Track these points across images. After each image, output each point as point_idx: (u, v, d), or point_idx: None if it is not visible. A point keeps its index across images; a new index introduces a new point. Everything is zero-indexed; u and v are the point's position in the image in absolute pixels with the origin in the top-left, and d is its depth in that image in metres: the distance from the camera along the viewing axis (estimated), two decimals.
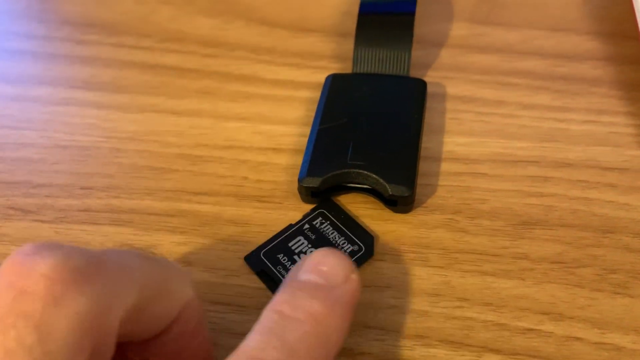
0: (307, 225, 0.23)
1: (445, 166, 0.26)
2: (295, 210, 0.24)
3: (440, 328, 0.21)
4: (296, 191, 0.25)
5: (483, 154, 0.26)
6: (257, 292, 0.22)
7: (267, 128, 0.28)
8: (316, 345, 0.16)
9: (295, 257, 0.22)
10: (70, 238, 0.24)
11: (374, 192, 0.24)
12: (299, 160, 0.26)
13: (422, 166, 0.25)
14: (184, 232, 0.24)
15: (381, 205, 0.24)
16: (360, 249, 0.22)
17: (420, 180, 0.25)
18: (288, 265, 0.22)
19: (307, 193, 0.24)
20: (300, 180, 0.24)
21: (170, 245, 0.24)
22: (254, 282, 0.22)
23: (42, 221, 0.25)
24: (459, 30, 0.32)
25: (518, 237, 0.23)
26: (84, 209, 0.25)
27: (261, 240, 0.24)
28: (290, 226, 0.23)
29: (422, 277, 0.22)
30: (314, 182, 0.23)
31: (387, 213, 0.24)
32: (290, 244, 0.23)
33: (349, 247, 0.22)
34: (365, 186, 0.24)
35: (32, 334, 0.13)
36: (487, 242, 0.23)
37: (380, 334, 0.21)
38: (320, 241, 0.23)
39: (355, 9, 0.32)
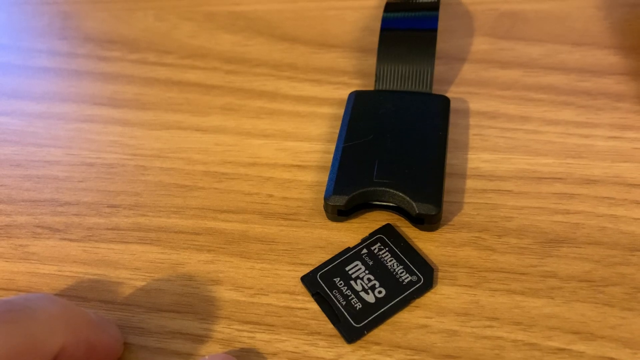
0: (365, 250, 0.23)
1: (470, 183, 0.26)
2: (322, 228, 0.25)
3: (470, 348, 0.21)
4: (322, 208, 0.25)
5: (508, 170, 0.26)
6: (286, 312, 0.22)
7: (291, 145, 0.28)
8: None
9: (352, 282, 0.22)
10: (98, 257, 0.24)
11: (401, 210, 0.24)
12: (323, 177, 0.26)
13: (448, 183, 0.25)
14: (211, 250, 0.24)
15: (406, 222, 0.24)
16: (419, 279, 0.22)
17: (446, 198, 0.25)
18: (344, 290, 0.22)
19: (333, 212, 0.24)
20: (326, 199, 0.24)
21: (197, 263, 0.24)
22: (283, 300, 0.22)
23: (70, 240, 0.25)
24: (480, 45, 0.32)
25: (545, 255, 0.23)
26: (111, 227, 0.25)
27: (287, 258, 0.24)
28: (348, 249, 0.23)
29: (450, 296, 0.22)
30: (340, 200, 0.23)
31: (413, 231, 0.24)
32: (347, 268, 0.23)
33: (407, 277, 0.22)
34: (391, 204, 0.24)
35: None
36: (515, 260, 0.23)
37: (411, 354, 0.21)
38: (378, 268, 0.23)
39: (375, 25, 0.33)
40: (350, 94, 0.28)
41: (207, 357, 0.20)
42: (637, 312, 0.21)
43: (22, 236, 0.25)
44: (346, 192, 0.24)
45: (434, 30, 0.29)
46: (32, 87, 0.32)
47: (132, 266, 0.24)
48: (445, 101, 0.27)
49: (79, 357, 0.19)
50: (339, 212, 0.24)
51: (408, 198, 0.23)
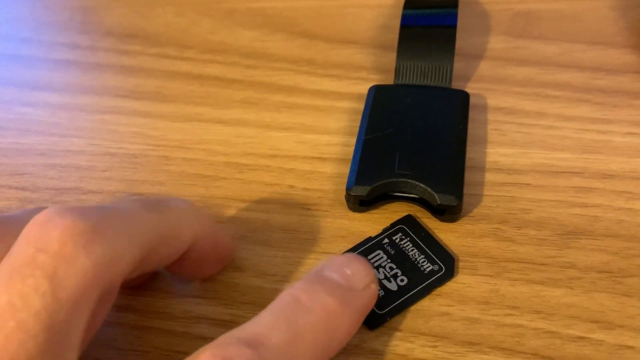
0: (386, 240, 0.23)
1: (489, 176, 0.26)
2: (343, 219, 0.25)
3: (491, 335, 0.21)
4: (343, 199, 0.25)
5: (526, 164, 0.26)
6: None
7: (311, 137, 0.28)
8: (322, 336, 0.17)
9: (374, 270, 0.22)
10: None
11: (422, 201, 0.24)
12: (344, 169, 0.27)
13: (467, 176, 0.26)
14: (235, 238, 0.25)
15: (427, 213, 0.25)
16: (440, 269, 0.23)
17: (465, 190, 0.25)
18: None
19: (355, 202, 0.24)
20: (348, 189, 0.24)
21: None
22: None
23: None
24: (496, 43, 0.33)
25: (564, 247, 0.23)
26: None
27: (310, 247, 0.24)
28: (370, 239, 0.24)
29: (471, 285, 0.22)
30: (362, 190, 0.24)
31: (433, 222, 0.25)
32: (369, 257, 0.23)
33: (429, 267, 0.23)
34: (413, 195, 0.24)
35: (46, 283, 0.15)
36: (534, 251, 0.23)
37: (432, 340, 0.21)
38: (399, 257, 0.23)
39: (392, 23, 0.33)
40: (370, 88, 0.29)
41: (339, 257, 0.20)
42: None
43: None
44: (368, 183, 0.24)
45: (453, 26, 0.29)
46: (55, 79, 0.33)
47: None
48: (465, 96, 0.28)
49: (206, 251, 0.21)
50: (361, 203, 0.24)
51: (429, 189, 0.24)
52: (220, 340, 0.16)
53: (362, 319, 0.19)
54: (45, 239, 0.16)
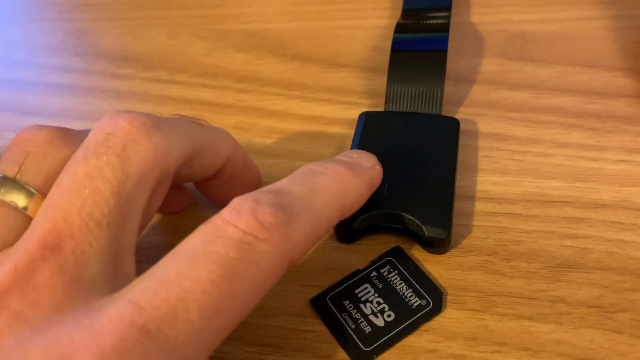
0: (374, 273, 0.23)
1: (479, 206, 0.26)
2: (332, 250, 0.25)
3: None
4: (331, 230, 0.25)
5: (517, 193, 0.26)
6: (295, 334, 0.22)
7: (302, 164, 0.28)
8: (334, 193, 0.20)
9: (361, 305, 0.22)
10: None
11: (410, 233, 0.24)
12: None
13: (457, 205, 0.26)
14: None
15: (416, 244, 0.24)
16: (428, 303, 0.22)
17: (455, 220, 0.25)
18: (353, 314, 0.22)
19: (343, 233, 0.24)
20: None
21: None
22: (292, 323, 0.23)
23: None
24: (490, 66, 0.32)
25: (554, 280, 0.23)
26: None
27: (297, 280, 0.24)
28: (358, 272, 0.23)
29: (459, 320, 0.22)
30: (350, 222, 0.24)
31: (422, 253, 0.24)
32: (356, 291, 0.23)
33: (417, 301, 0.22)
34: (401, 227, 0.24)
35: (116, 159, 0.18)
36: (524, 284, 0.23)
37: None
38: (387, 291, 0.23)
39: (384, 45, 0.33)
40: (361, 115, 0.28)
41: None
42: None
43: None
44: (356, 214, 0.24)
45: (444, 51, 0.29)
46: (47, 104, 0.33)
47: None
48: (455, 123, 0.27)
49: (238, 170, 0.24)
50: (349, 234, 0.24)
51: (418, 221, 0.23)
52: (246, 194, 0.18)
53: (369, 192, 0.22)
54: (114, 126, 0.19)
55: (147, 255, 0.25)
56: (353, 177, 0.21)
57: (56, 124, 0.31)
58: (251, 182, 0.25)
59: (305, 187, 0.20)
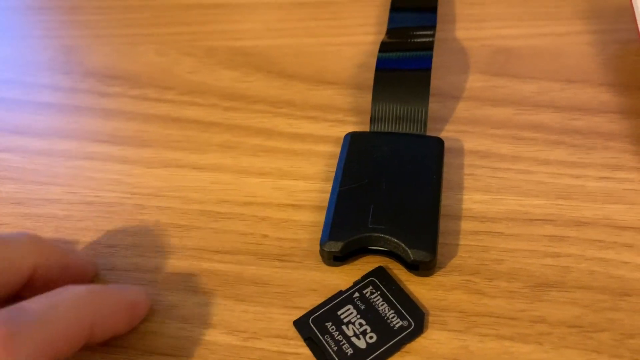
0: (357, 294, 0.23)
1: (463, 225, 0.26)
2: (315, 270, 0.25)
3: None
4: (316, 249, 0.25)
5: (499, 211, 0.26)
6: (279, 356, 0.22)
7: (287, 183, 0.29)
8: (79, 307, 0.20)
9: (344, 326, 0.22)
10: None
11: (396, 255, 0.24)
12: (318, 217, 0.27)
13: (441, 225, 0.26)
14: (206, 292, 0.25)
15: (400, 265, 0.25)
16: (410, 324, 0.22)
17: (439, 240, 0.25)
18: (336, 335, 0.22)
19: (329, 257, 0.24)
20: (322, 245, 0.24)
21: (192, 305, 0.24)
22: (276, 345, 0.23)
23: None
24: (474, 82, 0.33)
25: (535, 300, 0.23)
26: (109, 267, 0.26)
27: (281, 301, 0.24)
28: (340, 293, 0.24)
29: (440, 341, 0.22)
30: (336, 246, 0.24)
31: (405, 273, 0.25)
32: (339, 312, 0.23)
33: (399, 322, 0.22)
34: (386, 250, 0.24)
35: None
36: (505, 304, 0.23)
37: None
38: (369, 312, 0.23)
39: (371, 61, 0.33)
40: (346, 136, 0.29)
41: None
42: (626, 359, 0.22)
43: None
44: (341, 238, 0.24)
45: (428, 69, 0.29)
46: (35, 123, 0.33)
47: None
48: (440, 143, 0.28)
49: (55, 278, 0.22)
50: (335, 258, 0.24)
51: (403, 244, 0.23)
52: None
53: (129, 313, 0.22)
54: None
55: None
56: (109, 295, 0.21)
57: (43, 144, 0.32)
58: (77, 280, 0.23)
59: (46, 301, 0.19)
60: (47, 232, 0.27)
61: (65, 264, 0.23)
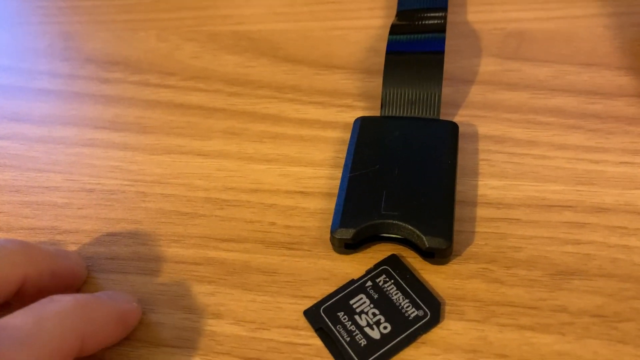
0: (369, 283, 0.22)
1: (478, 211, 0.25)
2: (325, 259, 0.24)
3: None
4: (326, 237, 0.24)
5: (517, 198, 0.25)
6: (288, 348, 0.22)
7: (295, 170, 0.28)
8: (68, 319, 0.19)
9: (357, 316, 0.21)
10: (97, 288, 0.24)
11: (410, 243, 0.23)
12: (327, 204, 0.26)
13: (456, 211, 0.25)
14: (212, 281, 0.24)
15: (412, 252, 0.24)
16: (425, 314, 0.21)
17: (454, 227, 0.24)
18: (348, 326, 0.21)
19: (340, 245, 0.23)
20: (332, 232, 0.23)
21: (198, 295, 0.23)
22: (285, 336, 0.22)
23: None
24: (487, 66, 0.31)
25: (556, 289, 0.22)
26: (111, 257, 0.25)
27: (290, 291, 0.23)
28: (352, 282, 0.23)
29: (458, 331, 0.21)
30: (347, 233, 0.23)
31: (419, 261, 0.24)
32: (351, 302, 0.22)
33: (414, 312, 0.22)
34: (400, 237, 0.23)
35: None
36: (524, 293, 0.22)
37: None
38: (383, 301, 0.22)
39: (379, 45, 0.32)
40: (356, 121, 0.28)
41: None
42: None
43: None
44: (353, 225, 0.23)
45: (441, 52, 0.28)
46: (33, 110, 0.32)
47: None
48: (454, 127, 0.27)
49: (45, 285, 0.21)
50: (346, 246, 0.23)
51: (417, 231, 0.22)
52: None
53: (121, 326, 0.21)
54: None
55: None
56: (98, 306, 0.20)
57: (42, 130, 0.30)
58: (68, 288, 0.23)
59: (31, 317, 0.18)
60: (46, 220, 0.26)
61: (56, 270, 0.22)
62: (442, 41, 0.29)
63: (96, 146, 0.30)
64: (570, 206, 0.25)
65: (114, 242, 0.25)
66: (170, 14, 0.37)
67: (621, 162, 0.26)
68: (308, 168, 0.28)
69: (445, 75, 0.29)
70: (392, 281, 0.23)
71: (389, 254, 0.24)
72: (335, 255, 0.24)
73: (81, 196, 0.27)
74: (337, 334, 0.21)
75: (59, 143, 0.30)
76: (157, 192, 0.27)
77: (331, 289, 0.23)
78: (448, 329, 0.22)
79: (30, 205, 0.27)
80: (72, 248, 0.25)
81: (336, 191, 0.25)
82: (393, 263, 0.23)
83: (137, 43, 0.35)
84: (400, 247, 0.24)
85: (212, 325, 0.22)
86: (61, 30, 0.37)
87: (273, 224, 0.25)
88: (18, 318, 0.18)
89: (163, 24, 0.37)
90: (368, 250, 0.24)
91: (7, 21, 0.38)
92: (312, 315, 0.22)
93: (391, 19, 0.32)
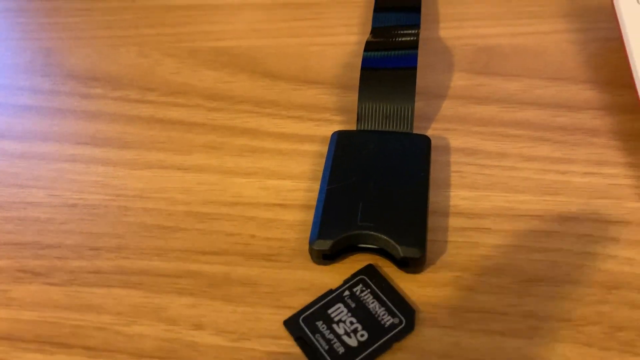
0: (347, 292, 0.23)
1: (451, 221, 0.26)
2: (304, 270, 0.25)
3: None
4: (305, 248, 0.25)
5: (487, 208, 0.26)
6: (269, 357, 0.22)
7: (274, 183, 0.28)
8: None
9: (334, 325, 0.22)
10: (80, 302, 0.24)
11: (385, 253, 0.24)
12: (306, 216, 0.26)
13: (429, 222, 0.26)
14: (193, 293, 0.24)
15: (388, 262, 0.25)
16: (400, 321, 0.22)
17: (428, 237, 0.25)
18: (327, 334, 0.22)
19: (318, 256, 0.24)
20: (311, 244, 0.24)
21: (179, 307, 0.24)
22: (265, 345, 0.23)
23: (52, 284, 0.25)
24: (458, 80, 0.33)
25: (525, 295, 0.23)
26: (94, 270, 0.25)
27: (270, 301, 0.24)
28: (330, 291, 0.23)
29: (432, 338, 0.22)
30: (325, 244, 0.24)
31: (394, 271, 0.24)
32: (329, 311, 0.23)
33: (389, 320, 0.22)
34: (376, 247, 0.24)
35: None
36: (495, 299, 0.23)
37: None
38: (360, 310, 0.23)
39: (355, 61, 0.33)
40: (333, 135, 0.28)
41: None
42: (615, 352, 0.22)
43: (3, 281, 0.25)
44: (331, 237, 0.24)
45: (413, 68, 0.29)
46: (14, 126, 0.32)
47: (114, 311, 0.24)
48: (427, 141, 0.28)
49: None
50: (324, 257, 0.24)
51: (392, 241, 0.23)
52: None
53: None
54: None
55: None
56: None
57: (23, 146, 0.31)
58: None
59: None
60: (29, 235, 0.27)
61: None
62: (415, 57, 0.30)
63: (78, 161, 0.30)
64: (538, 215, 0.26)
65: (96, 256, 0.26)
66: (150, 30, 0.38)
67: (586, 173, 0.28)
68: (287, 181, 0.28)
69: (418, 90, 0.30)
70: (369, 290, 0.23)
71: (365, 264, 0.25)
72: (314, 265, 0.25)
73: (64, 211, 0.28)
74: (316, 343, 0.22)
75: (41, 159, 0.30)
76: (138, 207, 0.28)
77: (310, 299, 0.24)
78: (422, 336, 0.22)
79: (13, 221, 0.28)
80: (56, 263, 0.26)
81: (314, 203, 0.26)
82: (369, 273, 0.24)
83: (118, 58, 0.36)
84: (377, 257, 0.25)
85: (194, 336, 0.23)
86: (42, 46, 0.37)
87: (253, 236, 0.26)
88: None
89: (143, 39, 0.37)
90: (345, 260, 0.25)
91: None
92: (291, 324, 0.23)
93: (366, 35, 0.33)
